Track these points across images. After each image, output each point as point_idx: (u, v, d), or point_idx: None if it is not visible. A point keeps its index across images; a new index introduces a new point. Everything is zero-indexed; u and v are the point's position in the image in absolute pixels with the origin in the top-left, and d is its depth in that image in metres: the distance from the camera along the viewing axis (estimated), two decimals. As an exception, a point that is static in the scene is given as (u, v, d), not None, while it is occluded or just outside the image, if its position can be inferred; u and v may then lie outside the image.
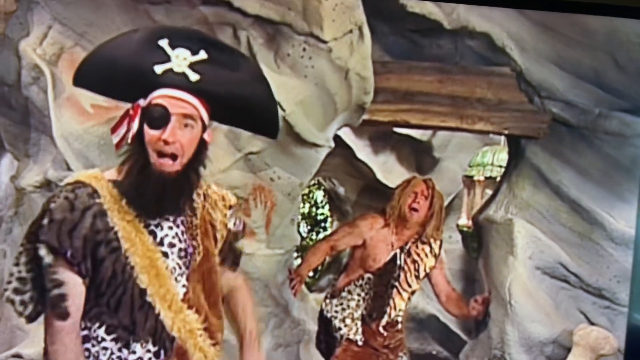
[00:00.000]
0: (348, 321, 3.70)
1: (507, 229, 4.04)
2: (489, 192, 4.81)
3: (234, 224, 2.07)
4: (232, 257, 2.12)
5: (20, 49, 3.46)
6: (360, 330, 3.68)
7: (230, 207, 2.08)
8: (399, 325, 3.77)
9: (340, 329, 3.69)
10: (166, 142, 1.75)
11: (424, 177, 3.85)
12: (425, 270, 3.76)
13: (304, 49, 3.41)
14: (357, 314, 3.70)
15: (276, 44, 3.44)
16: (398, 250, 3.71)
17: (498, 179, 4.73)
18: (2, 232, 3.67)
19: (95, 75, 1.86)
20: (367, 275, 3.71)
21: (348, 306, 3.71)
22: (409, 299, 3.78)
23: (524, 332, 3.87)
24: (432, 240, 3.75)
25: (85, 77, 1.88)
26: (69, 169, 3.37)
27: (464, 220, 5.29)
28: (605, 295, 3.96)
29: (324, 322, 3.77)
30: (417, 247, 3.73)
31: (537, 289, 3.95)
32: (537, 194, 4.05)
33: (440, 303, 3.89)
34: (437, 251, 3.80)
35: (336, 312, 3.71)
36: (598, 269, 3.96)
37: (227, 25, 3.43)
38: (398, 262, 3.70)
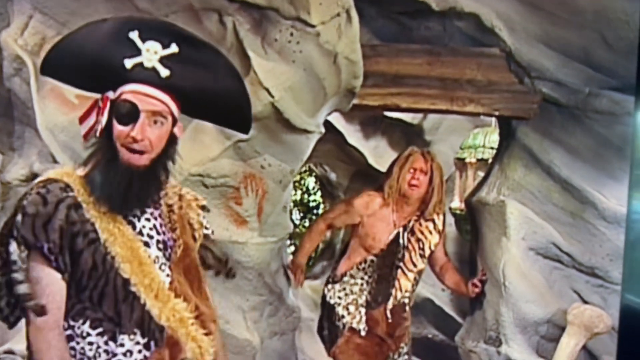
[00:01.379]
0: (352, 308, 3.52)
1: (499, 211, 3.94)
2: (481, 174, 4.72)
3: (206, 227, 2.00)
4: (223, 267, 2.03)
5: (1, 40, 3.31)
6: (364, 318, 3.51)
7: (202, 207, 2.00)
8: (407, 310, 3.59)
9: (343, 316, 3.52)
10: (134, 140, 1.69)
11: (421, 150, 3.66)
12: (430, 247, 3.61)
13: (292, 34, 3.28)
14: (362, 300, 3.53)
15: (263, 29, 3.30)
16: (401, 229, 3.57)
17: (490, 160, 4.64)
18: None
19: (63, 64, 1.78)
20: (370, 257, 3.56)
21: (351, 291, 3.55)
22: (415, 279, 3.61)
23: (518, 313, 3.80)
24: (435, 216, 3.60)
25: (53, 66, 1.81)
26: (55, 161, 3.23)
27: (457, 203, 5.19)
28: (598, 274, 3.88)
29: (327, 309, 3.61)
30: (420, 224, 3.59)
31: (531, 269, 3.86)
32: (528, 174, 3.96)
33: (434, 273, 3.79)
34: (440, 227, 3.65)
35: (339, 298, 3.55)
36: (590, 247, 3.87)
37: (213, 11, 3.30)
38: (401, 241, 3.55)
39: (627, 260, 3.57)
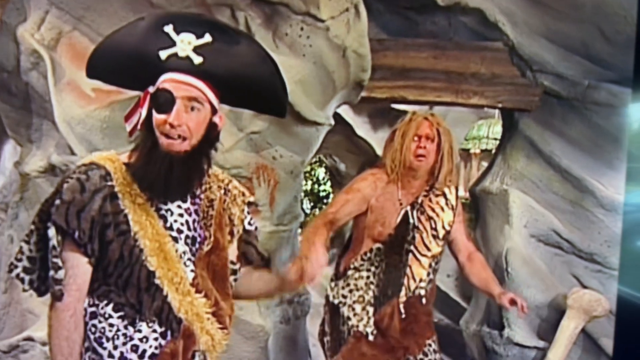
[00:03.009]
0: (358, 308, 2.88)
1: (502, 199, 3.90)
2: (485, 164, 4.68)
3: (249, 222, 1.95)
4: (264, 264, 1.97)
5: (18, 35, 3.25)
6: (372, 320, 2.87)
7: (248, 203, 1.95)
8: (423, 303, 2.94)
9: (348, 318, 2.88)
10: (172, 125, 1.66)
11: (424, 114, 3.06)
12: (443, 227, 2.97)
13: (302, 28, 3.22)
14: (369, 296, 2.89)
15: (274, 24, 3.23)
16: (409, 208, 2.94)
17: (493, 151, 4.60)
18: (8, 218, 3.45)
19: (106, 66, 1.78)
20: (376, 245, 2.94)
21: (357, 287, 2.91)
22: (430, 266, 2.95)
23: (520, 297, 3.72)
24: (446, 190, 2.99)
25: (97, 68, 1.80)
26: (72, 153, 3.20)
27: (461, 192, 5.13)
28: (597, 260, 3.85)
29: (330, 310, 3.00)
30: (430, 200, 2.96)
31: (532, 255, 3.82)
32: (530, 164, 3.91)
33: (459, 265, 3.08)
34: (453, 202, 3.01)
35: (344, 296, 2.88)
36: (589, 234, 3.84)
37: (225, 6, 3.22)
38: (411, 221, 2.92)
39: (624, 246, 3.56)
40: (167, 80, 1.69)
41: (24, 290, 1.72)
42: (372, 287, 2.91)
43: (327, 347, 3.01)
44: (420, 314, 2.95)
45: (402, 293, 2.90)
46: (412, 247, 2.91)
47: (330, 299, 2.99)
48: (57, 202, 1.66)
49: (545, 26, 3.75)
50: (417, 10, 3.81)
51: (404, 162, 2.91)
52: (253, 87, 1.77)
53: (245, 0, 3.19)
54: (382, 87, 3.70)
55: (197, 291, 1.75)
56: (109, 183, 1.70)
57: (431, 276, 2.97)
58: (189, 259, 1.75)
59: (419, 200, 2.96)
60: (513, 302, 2.83)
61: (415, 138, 2.93)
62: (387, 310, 2.89)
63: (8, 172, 3.56)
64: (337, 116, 3.73)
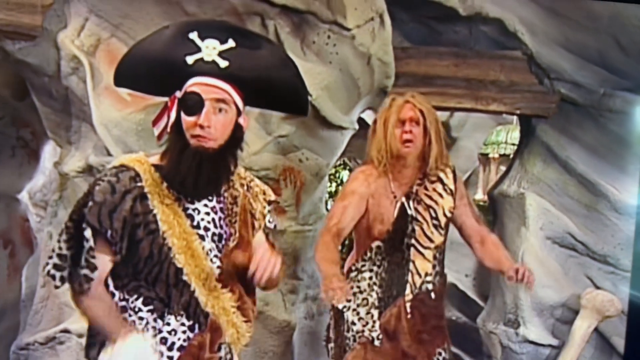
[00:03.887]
0: (362, 312, 2.62)
1: (519, 203, 3.91)
2: (503, 168, 4.71)
3: (269, 220, 1.97)
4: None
5: (59, 41, 3.29)
6: (377, 324, 2.61)
7: (269, 202, 1.98)
8: (432, 298, 2.65)
9: (353, 323, 2.62)
10: (202, 127, 1.69)
11: (404, 97, 2.73)
12: (444, 214, 2.69)
13: (329, 37, 3.26)
14: (372, 298, 2.63)
15: (302, 32, 3.28)
16: (404, 199, 2.66)
17: (511, 156, 4.61)
18: (48, 215, 3.49)
19: (133, 73, 1.81)
20: (376, 243, 2.67)
21: (359, 289, 2.66)
22: (435, 257, 2.67)
23: (535, 297, 3.77)
24: (441, 173, 2.70)
25: (125, 76, 1.83)
26: (109, 154, 3.23)
27: (480, 195, 5.14)
28: (610, 262, 3.86)
29: (335, 315, 2.75)
30: (425, 188, 2.68)
31: (548, 257, 3.83)
32: (546, 169, 3.92)
33: (473, 251, 2.78)
34: (452, 186, 2.71)
35: (347, 300, 2.57)
36: (603, 237, 3.85)
37: (256, 14, 3.25)
38: (409, 212, 2.65)
39: (636, 249, 3.59)
40: (195, 84, 1.71)
41: (56, 287, 1.74)
42: (375, 288, 2.65)
43: (332, 354, 2.77)
44: (430, 313, 2.66)
45: (408, 291, 2.63)
46: (413, 241, 2.64)
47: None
48: (90, 203, 1.69)
49: (563, 36, 3.76)
50: (440, 20, 3.83)
51: (391, 151, 2.63)
52: (276, 89, 1.80)
53: (275, 9, 3.23)
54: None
55: (223, 286, 1.77)
56: (139, 184, 1.72)
57: (437, 268, 2.68)
58: (215, 256, 1.78)
59: (414, 190, 2.68)
60: (517, 273, 2.53)
61: (399, 124, 2.65)
62: (393, 311, 2.62)
63: (48, 171, 3.59)
64: (361, 121, 3.75)
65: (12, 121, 3.71)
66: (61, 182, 3.46)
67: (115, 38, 3.27)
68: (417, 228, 2.66)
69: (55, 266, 1.70)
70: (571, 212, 3.89)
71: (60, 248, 1.70)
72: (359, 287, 2.68)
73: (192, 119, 1.70)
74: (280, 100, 1.85)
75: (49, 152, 3.68)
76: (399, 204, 2.67)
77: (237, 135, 1.76)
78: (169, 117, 1.76)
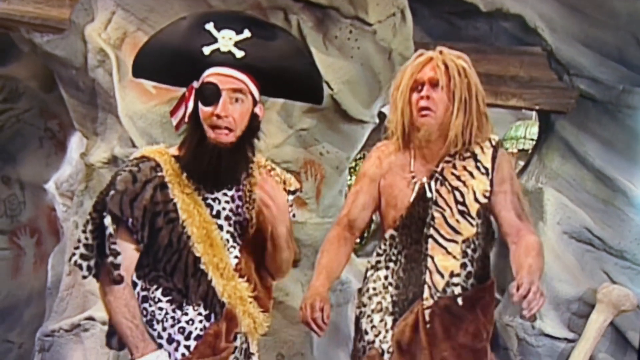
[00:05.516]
0: (376, 318, 2.08)
1: (537, 197, 3.85)
2: (521, 163, 4.64)
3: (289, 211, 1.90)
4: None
5: (86, 34, 3.28)
6: (390, 334, 2.04)
7: (291, 192, 1.93)
8: (459, 304, 2.02)
9: (366, 332, 2.09)
10: (219, 117, 1.68)
11: (430, 53, 2.15)
12: (476, 199, 2.06)
13: (351, 32, 3.22)
14: (387, 301, 2.07)
15: (325, 27, 3.24)
16: (425, 180, 2.09)
17: (530, 151, 4.56)
18: (74, 205, 3.47)
19: (151, 64, 1.80)
20: (389, 232, 2.12)
21: (375, 291, 2.11)
22: (465, 253, 2.04)
23: (552, 291, 3.71)
24: (476, 149, 2.09)
25: (142, 67, 1.83)
26: (133, 145, 3.22)
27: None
28: (626, 257, 3.80)
29: (354, 323, 2.21)
30: (454, 166, 2.09)
31: (565, 251, 3.78)
32: (565, 164, 3.87)
33: (510, 249, 2.09)
34: (487, 163, 2.08)
35: (364, 304, 2.13)
36: (620, 232, 3.79)
37: (279, 9, 3.21)
38: (429, 195, 2.07)
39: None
40: (212, 74, 1.70)
41: (84, 277, 1.73)
42: (390, 289, 2.08)
43: None
44: (458, 326, 2.02)
45: (426, 294, 2.02)
46: (431, 231, 2.04)
47: (355, 307, 2.22)
48: (112, 192, 1.68)
49: (582, 32, 3.71)
50: (460, 16, 3.79)
51: (403, 121, 2.09)
52: (291, 78, 1.78)
53: (298, 4, 3.19)
54: (425, 88, 3.69)
55: (240, 276, 1.75)
56: (159, 174, 1.72)
57: (470, 268, 2.03)
58: (232, 246, 1.77)
59: (439, 169, 2.09)
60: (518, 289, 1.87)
61: (411, 86, 2.08)
62: (409, 319, 2.02)
63: (74, 162, 3.58)
64: (381, 115, 3.70)
65: (40, 113, 3.71)
66: (87, 173, 3.45)
67: (141, 32, 3.24)
68: (436, 215, 2.04)
69: (82, 256, 1.69)
70: (588, 207, 3.84)
71: (86, 238, 1.70)
72: (374, 288, 2.11)
73: (209, 109, 1.69)
74: (296, 90, 1.84)
75: (75, 143, 3.67)
76: (417, 185, 2.09)
77: (254, 125, 1.75)
78: (186, 107, 1.74)
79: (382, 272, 2.13)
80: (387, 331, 2.06)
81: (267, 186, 1.72)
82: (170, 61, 1.75)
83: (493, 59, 3.73)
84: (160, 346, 1.68)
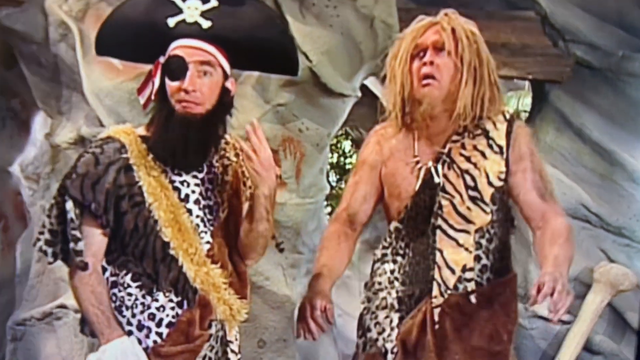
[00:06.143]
0: (381, 315, 1.88)
1: (530, 172, 3.73)
2: (513, 136, 4.51)
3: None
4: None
5: (46, 6, 3.16)
6: (394, 333, 1.85)
7: None
8: (472, 301, 1.81)
9: (369, 329, 1.90)
10: (186, 91, 1.63)
11: (433, 18, 1.92)
12: (489, 182, 1.83)
13: (329, -1, 3.03)
14: (392, 297, 1.87)
15: (301, -6, 3.05)
16: (431, 164, 1.86)
17: (522, 123, 4.43)
18: (40, 189, 3.40)
19: (114, 41, 1.76)
20: (393, 225, 1.91)
21: (380, 286, 1.90)
22: (479, 245, 1.82)
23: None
24: (487, 123, 1.86)
25: (106, 44, 1.78)
26: (101, 125, 3.11)
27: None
28: (625, 234, 3.67)
29: (358, 321, 1.98)
30: (463, 146, 1.85)
31: (560, 229, 3.66)
32: (560, 137, 3.71)
33: (533, 237, 1.88)
34: (501, 141, 1.85)
35: (368, 299, 1.93)
36: (618, 208, 3.65)
37: (251, -25, 3.07)
38: (436, 181, 1.85)
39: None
40: (178, 47, 1.66)
41: (49, 263, 1.70)
42: (396, 284, 1.88)
43: None
44: (471, 327, 1.81)
45: (435, 291, 1.82)
46: (439, 221, 1.82)
47: (361, 303, 2.00)
48: (73, 176, 1.64)
49: (579, -6, 3.53)
50: (447, -21, 3.57)
51: (404, 93, 1.82)
52: (263, 48, 1.73)
53: (272, -30, 3.05)
54: (410, 58, 3.51)
55: (213, 262, 1.71)
56: (124, 155, 1.66)
57: (485, 261, 1.81)
58: (203, 231, 1.72)
59: (446, 149, 1.85)
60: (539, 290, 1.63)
61: (412, 52, 1.82)
62: (416, 319, 1.82)
63: (39, 143, 3.48)
64: (364, 88, 3.57)
65: (1, 91, 3.59)
66: (53, 155, 3.35)
67: (105, 2, 3.09)
68: (445, 203, 1.83)
69: (47, 242, 1.66)
70: (585, 182, 3.69)
71: (51, 224, 1.66)
72: (379, 283, 1.90)
73: (176, 83, 1.64)
74: (268, 61, 1.78)
75: (39, 123, 3.56)
76: (423, 171, 1.86)
77: (225, 100, 1.69)
78: (153, 84, 1.69)
79: (389, 266, 1.92)
80: (392, 329, 1.86)
81: (252, 137, 1.64)
82: (134, 36, 1.71)
83: (482, 25, 3.35)
84: (130, 333, 1.65)
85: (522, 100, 4.77)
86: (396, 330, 1.86)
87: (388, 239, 1.93)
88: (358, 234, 1.99)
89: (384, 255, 1.93)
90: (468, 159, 1.85)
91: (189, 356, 1.66)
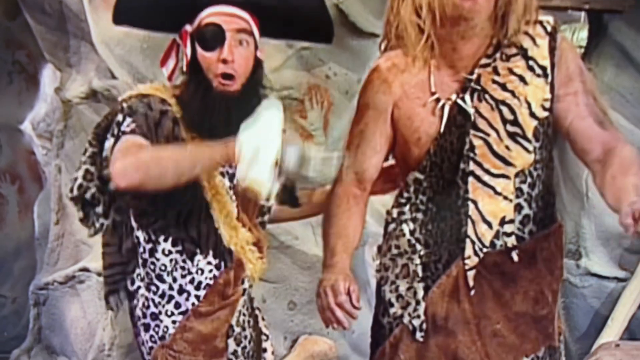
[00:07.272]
0: (402, 286, 1.60)
1: (585, 116, 3.41)
2: (567, 76, 4.16)
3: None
4: (287, 196, 1.78)
5: None
6: (421, 306, 1.57)
7: None
8: (514, 259, 1.54)
9: (391, 304, 1.61)
10: (225, 61, 1.55)
11: None
12: (532, 113, 1.53)
13: None
14: (415, 263, 1.60)
15: None
16: (455, 97, 1.55)
17: (577, 60, 4.08)
18: (54, 148, 3.26)
19: (134, 8, 1.66)
20: (412, 175, 1.60)
21: (399, 250, 1.61)
22: (520, 191, 1.55)
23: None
24: (524, 39, 1.54)
25: (125, 13, 1.68)
26: (113, 77, 2.98)
27: (539, 109, 4.66)
28: (691, 182, 3.34)
29: (376, 293, 1.70)
30: (495, 71, 1.54)
31: (617, 179, 3.35)
32: (620, 75, 3.38)
33: (592, 175, 1.56)
34: (544, 61, 1.54)
35: (385, 267, 1.64)
36: (684, 153, 3.32)
37: None
38: (468, 111, 1.56)
39: None
40: (213, 14, 1.57)
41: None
42: (418, 247, 1.60)
43: (371, 345, 1.73)
44: (516, 289, 1.56)
45: (468, 251, 1.55)
46: (470, 166, 1.54)
47: (375, 271, 1.72)
48: (129, 117, 1.52)
49: None
50: None
51: (442, 7, 1.47)
52: (296, 15, 1.66)
53: None
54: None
55: (242, 225, 1.69)
56: (169, 108, 1.58)
57: (527, 210, 1.55)
58: (231, 197, 1.67)
59: (474, 76, 1.54)
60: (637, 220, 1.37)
61: None
62: (448, 285, 1.57)
63: (49, 98, 3.34)
64: (397, 26, 3.30)
65: (6, 43, 3.43)
66: (65, 110, 3.18)
67: None
68: (478, 143, 1.53)
69: (99, 190, 1.59)
70: None
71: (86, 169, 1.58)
72: (397, 247, 1.62)
73: (212, 54, 1.56)
74: (302, 28, 1.73)
75: (48, 76, 3.43)
76: (447, 108, 1.55)
77: (258, 72, 1.63)
78: (178, 55, 1.63)
79: (407, 227, 1.62)
80: (417, 302, 1.58)
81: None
82: (157, 2, 1.63)
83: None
84: (171, 297, 1.64)
85: (577, 35, 4.43)
86: (422, 304, 1.58)
87: (405, 194, 1.61)
88: (368, 193, 1.69)
89: (401, 213, 1.62)
90: (504, 87, 1.53)
91: (228, 312, 1.66)
